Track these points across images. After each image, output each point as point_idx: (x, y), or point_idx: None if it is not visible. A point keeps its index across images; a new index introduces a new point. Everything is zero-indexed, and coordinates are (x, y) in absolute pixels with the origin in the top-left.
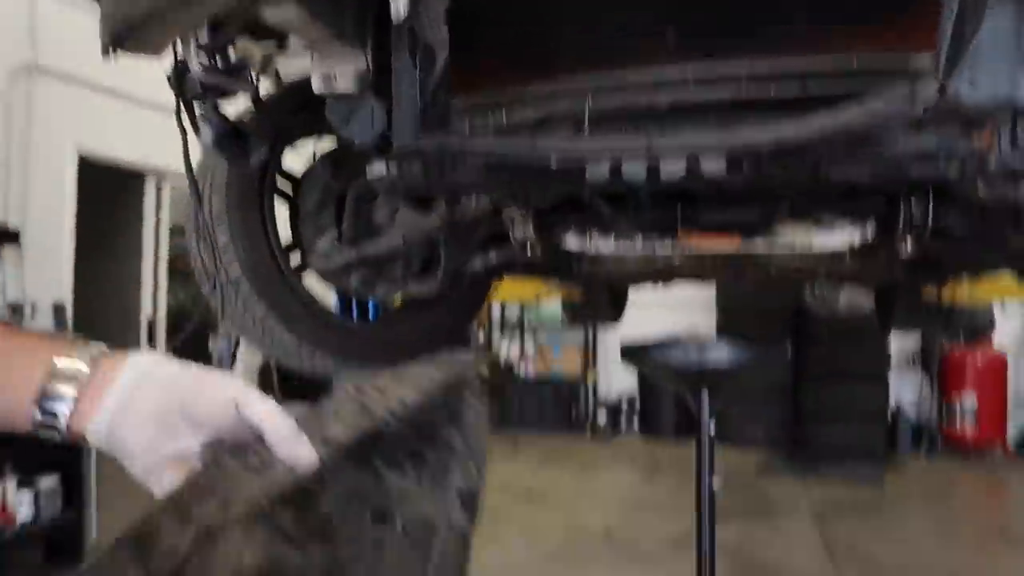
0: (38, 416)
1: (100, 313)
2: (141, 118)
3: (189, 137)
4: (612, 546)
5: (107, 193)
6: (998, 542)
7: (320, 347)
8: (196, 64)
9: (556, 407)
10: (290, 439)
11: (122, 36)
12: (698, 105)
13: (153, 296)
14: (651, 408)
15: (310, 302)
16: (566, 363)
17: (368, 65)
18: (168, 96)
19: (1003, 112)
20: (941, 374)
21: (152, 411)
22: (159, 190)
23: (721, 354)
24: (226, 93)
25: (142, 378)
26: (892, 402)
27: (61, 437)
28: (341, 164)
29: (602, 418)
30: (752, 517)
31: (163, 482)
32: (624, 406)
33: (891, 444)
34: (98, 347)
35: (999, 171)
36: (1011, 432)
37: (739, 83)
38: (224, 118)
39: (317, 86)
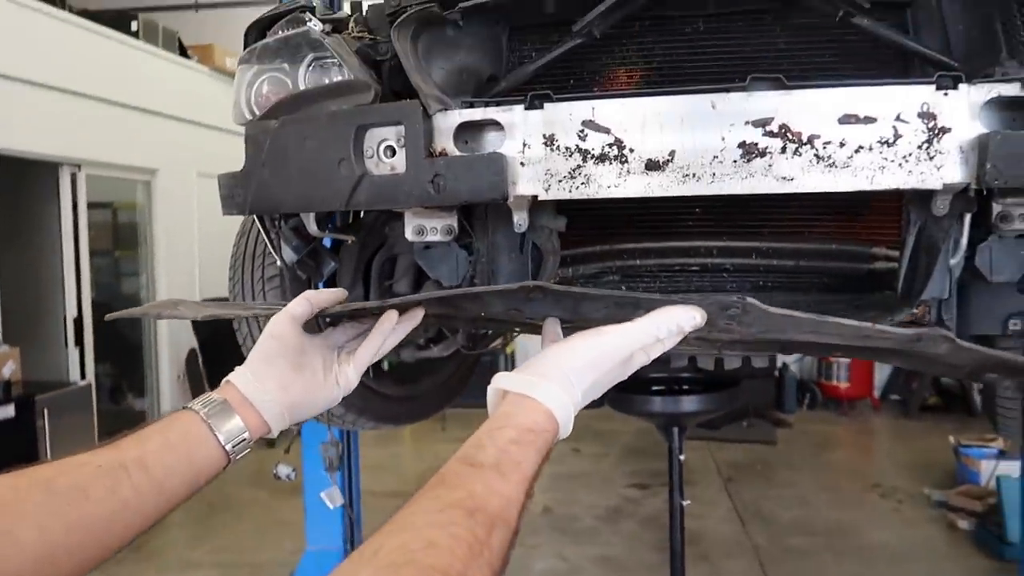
0: (233, 451)
1: (21, 312)
2: (52, 106)
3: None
4: (553, 523)
5: (20, 186)
6: (872, 493)
7: (362, 414)
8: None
9: (479, 380)
10: None
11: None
12: (718, 267)
13: (77, 292)
14: None
15: None
16: None
17: (457, 223)
18: (82, 80)
19: (934, 301)
20: None
21: (279, 371)
22: (74, 179)
23: (691, 403)
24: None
25: (252, 371)
26: (779, 361)
27: (251, 450)
28: (369, 238)
29: None
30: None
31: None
32: None
33: (779, 401)
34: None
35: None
36: (877, 385)
37: (750, 255)
38: (303, 241)
39: (410, 235)
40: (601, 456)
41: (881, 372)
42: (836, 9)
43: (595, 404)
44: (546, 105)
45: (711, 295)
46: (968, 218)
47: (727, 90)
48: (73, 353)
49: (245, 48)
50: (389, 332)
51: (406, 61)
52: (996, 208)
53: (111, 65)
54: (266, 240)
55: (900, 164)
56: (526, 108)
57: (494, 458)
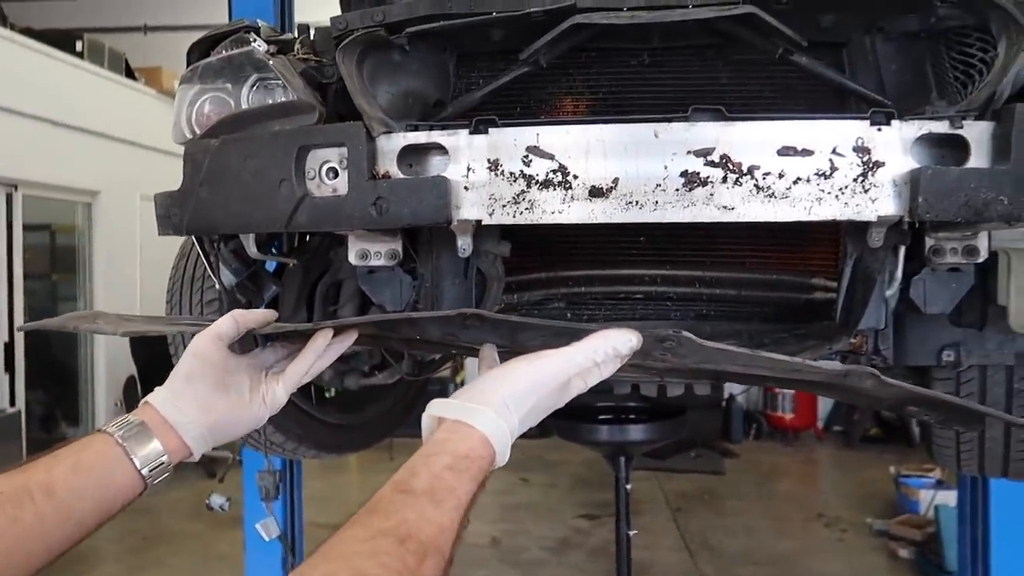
0: (149, 475)
1: None
2: None
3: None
4: (501, 555)
5: None
6: (817, 523)
7: (302, 442)
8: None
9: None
10: None
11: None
12: (662, 295)
13: (9, 316)
14: None
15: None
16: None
17: (401, 247)
18: (22, 99)
19: (871, 331)
20: None
21: (201, 391)
22: (10, 199)
23: (638, 432)
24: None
25: (171, 391)
26: (725, 392)
27: (170, 474)
28: (313, 263)
29: None
30: None
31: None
32: None
33: (726, 431)
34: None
35: (866, 359)
36: (820, 416)
37: (692, 284)
38: (243, 264)
39: (353, 259)
40: (550, 487)
41: (825, 404)
42: (775, 47)
43: (543, 434)
44: (491, 130)
45: (648, 326)
46: (903, 251)
47: (669, 120)
48: (3, 379)
49: (188, 67)
50: (322, 350)
51: (351, 83)
52: (929, 242)
53: (53, 85)
54: (205, 262)
55: (836, 196)
56: (471, 132)
57: (428, 485)
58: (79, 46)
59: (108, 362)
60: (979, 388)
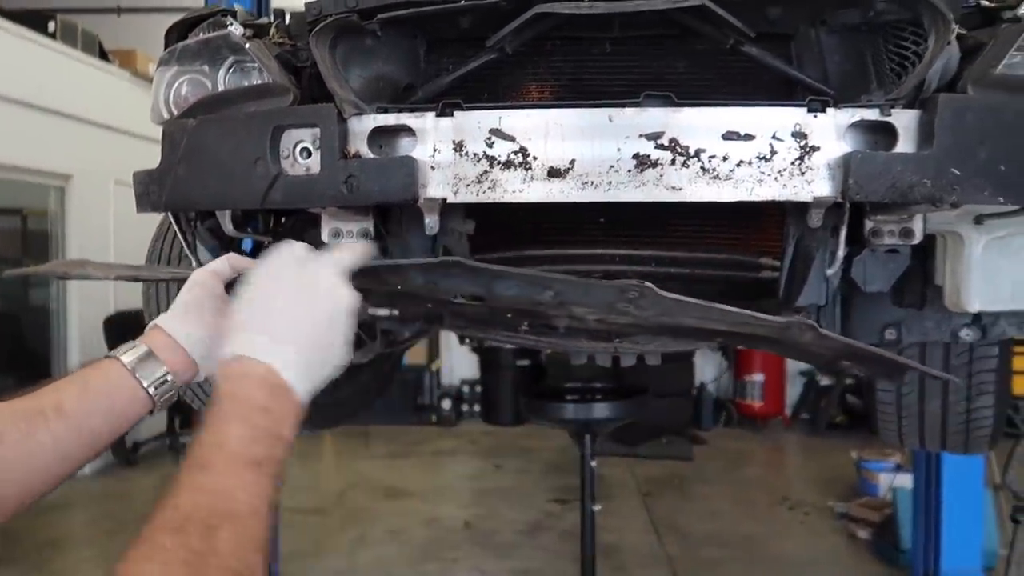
0: (156, 394)
1: None
2: None
3: None
4: (473, 538)
5: None
6: (781, 507)
7: None
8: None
9: (403, 396)
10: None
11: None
12: (621, 273)
13: None
14: (492, 394)
15: None
16: (411, 352)
17: (372, 226)
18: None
19: (813, 308)
20: (736, 355)
21: (205, 314)
22: None
23: (603, 410)
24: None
25: (175, 315)
26: (696, 380)
27: (178, 396)
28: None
29: (446, 405)
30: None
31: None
32: (466, 392)
33: (697, 419)
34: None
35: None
36: (788, 404)
37: (649, 263)
38: (220, 242)
39: (325, 237)
40: (523, 472)
41: (793, 392)
42: (727, 38)
43: (517, 422)
44: (456, 113)
45: (615, 280)
46: (843, 232)
47: (623, 105)
48: None
49: (165, 49)
50: None
51: (323, 67)
52: (868, 224)
53: (25, 66)
54: (182, 240)
55: (776, 178)
56: (437, 115)
57: (195, 454)
58: (51, 27)
59: (81, 348)
60: (919, 364)
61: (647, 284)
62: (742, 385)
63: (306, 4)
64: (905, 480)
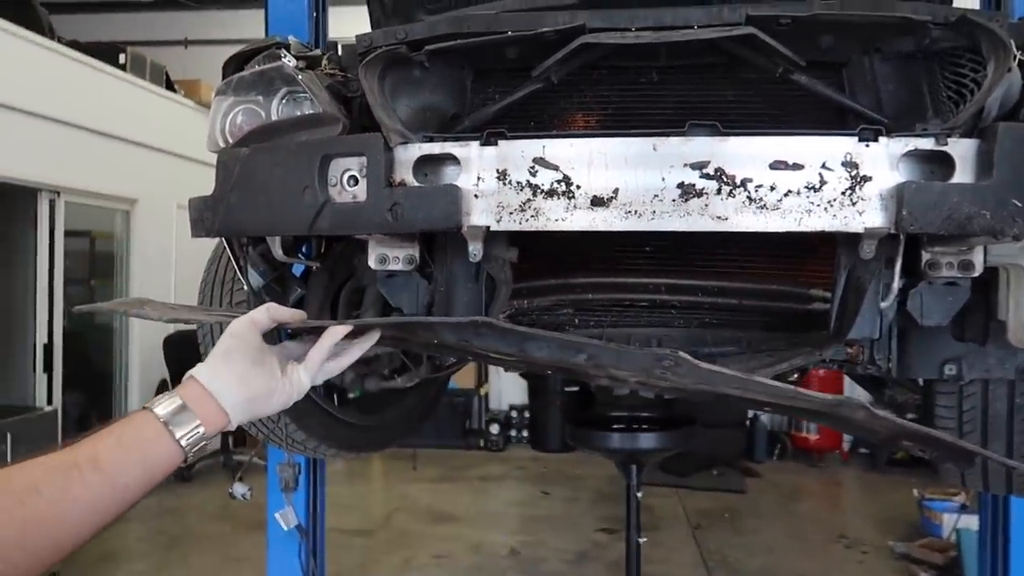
0: (188, 445)
1: None
2: (35, 133)
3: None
4: (519, 566)
5: None
6: (838, 544)
7: (323, 441)
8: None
9: (452, 420)
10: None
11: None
12: (666, 303)
13: (48, 318)
14: (540, 420)
15: (317, 398)
16: (460, 376)
17: (418, 254)
18: (66, 109)
19: (866, 341)
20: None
21: (238, 365)
22: (53, 205)
23: (649, 440)
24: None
25: (210, 366)
26: (749, 412)
27: (208, 444)
28: (338, 269)
29: (494, 430)
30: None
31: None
32: (514, 417)
33: (749, 451)
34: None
35: (863, 368)
36: (846, 437)
37: (695, 293)
38: (270, 266)
39: (372, 263)
40: (571, 500)
41: None
42: (776, 66)
43: (565, 449)
44: (500, 142)
45: (650, 349)
46: (899, 264)
47: (667, 134)
48: (41, 379)
49: (223, 80)
50: (338, 338)
51: (371, 97)
52: (925, 256)
53: (96, 95)
54: (234, 265)
55: (825, 208)
56: (481, 144)
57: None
58: (122, 58)
59: (142, 365)
60: (981, 403)
61: (682, 354)
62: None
63: (357, 36)
64: (971, 521)
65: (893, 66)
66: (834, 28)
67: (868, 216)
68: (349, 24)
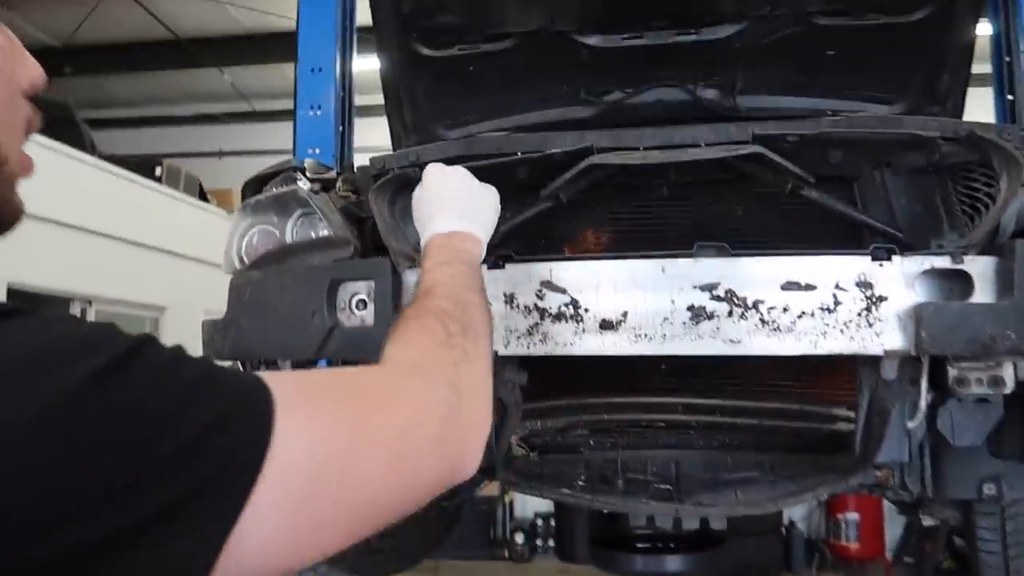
0: None
1: None
2: (70, 244)
3: None
4: None
5: None
6: None
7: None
8: None
9: (475, 529)
10: None
11: None
12: (684, 423)
13: None
14: (567, 528)
15: None
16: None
17: None
18: (102, 220)
19: (895, 466)
20: None
21: None
22: (84, 314)
23: (676, 563)
24: None
25: None
26: (785, 519)
27: None
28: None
29: (520, 539)
30: None
31: None
32: (540, 526)
33: (786, 560)
34: None
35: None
36: (889, 546)
37: (713, 413)
38: None
39: None
40: None
41: (893, 532)
42: (785, 182)
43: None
44: (507, 265)
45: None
46: (924, 382)
47: (676, 256)
48: None
49: (242, 201)
50: None
51: (381, 222)
52: (952, 372)
53: (132, 206)
54: None
55: (841, 330)
56: (489, 268)
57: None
58: (158, 171)
59: None
60: None
61: None
62: (836, 524)
63: (371, 159)
64: None
65: (905, 180)
66: (843, 144)
67: (886, 337)
68: (377, 133)
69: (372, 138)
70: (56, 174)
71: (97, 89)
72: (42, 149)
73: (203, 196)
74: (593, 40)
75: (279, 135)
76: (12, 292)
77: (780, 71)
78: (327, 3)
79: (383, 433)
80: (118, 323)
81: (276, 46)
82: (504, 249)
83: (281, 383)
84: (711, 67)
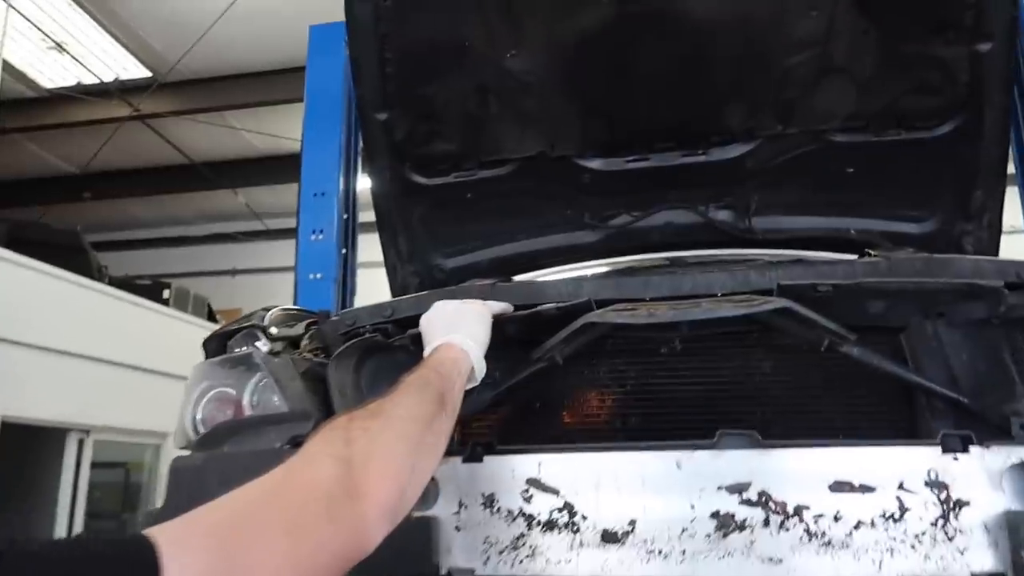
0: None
1: None
2: (68, 370)
3: None
4: None
5: (22, 449)
6: None
7: None
8: None
9: None
10: None
11: None
12: None
13: None
14: None
15: None
16: None
17: None
18: (103, 347)
19: None
20: None
21: None
22: (81, 444)
23: None
24: None
25: None
26: None
27: None
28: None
29: None
30: None
31: None
32: None
33: None
34: None
35: None
36: None
37: None
38: None
39: None
40: None
41: None
42: (820, 338)
43: None
44: (486, 458)
45: None
46: None
47: (693, 447)
48: None
49: (198, 364)
50: None
51: (337, 397)
52: None
53: (135, 332)
54: None
55: (912, 545)
56: (464, 460)
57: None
58: (166, 294)
59: None
60: None
61: None
62: None
63: (341, 313)
64: None
65: (964, 333)
66: (884, 295)
67: (972, 555)
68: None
69: (379, 253)
70: (58, 302)
71: (115, 212)
72: (46, 277)
73: (212, 317)
74: (595, 164)
75: (292, 252)
76: (6, 426)
77: (797, 190)
78: (331, 128)
79: (270, 532)
80: (124, 450)
81: (289, 167)
82: (487, 430)
83: (164, 532)
84: (722, 187)
